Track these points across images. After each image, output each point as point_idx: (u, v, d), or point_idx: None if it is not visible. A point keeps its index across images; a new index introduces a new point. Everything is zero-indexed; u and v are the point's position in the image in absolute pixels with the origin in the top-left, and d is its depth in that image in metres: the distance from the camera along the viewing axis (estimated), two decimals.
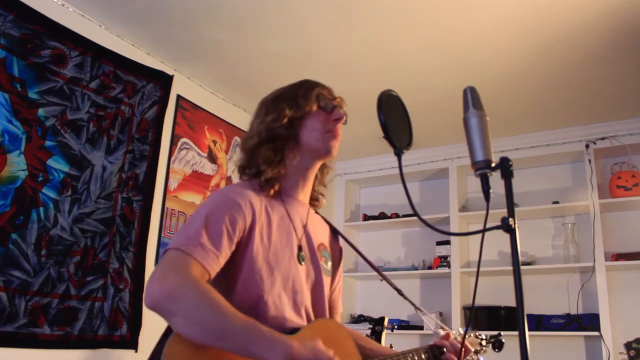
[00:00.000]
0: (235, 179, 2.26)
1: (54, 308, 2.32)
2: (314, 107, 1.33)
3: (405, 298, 1.61)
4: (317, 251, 1.36)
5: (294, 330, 1.20)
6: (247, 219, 1.19)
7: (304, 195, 1.38)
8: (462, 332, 1.60)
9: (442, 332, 1.52)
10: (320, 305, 1.33)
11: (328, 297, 1.38)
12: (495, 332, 1.78)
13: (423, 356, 1.40)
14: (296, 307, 1.26)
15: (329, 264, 1.41)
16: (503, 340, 1.76)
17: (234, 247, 1.17)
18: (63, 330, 2.34)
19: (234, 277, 1.19)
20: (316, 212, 1.45)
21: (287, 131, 1.30)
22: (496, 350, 1.74)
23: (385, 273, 4.10)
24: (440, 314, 3.83)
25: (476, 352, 1.62)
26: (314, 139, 1.31)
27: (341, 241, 1.54)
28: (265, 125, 1.31)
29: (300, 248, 1.31)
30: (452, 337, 1.50)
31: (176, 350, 1.00)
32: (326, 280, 1.37)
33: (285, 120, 1.30)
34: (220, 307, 1.03)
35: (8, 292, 2.16)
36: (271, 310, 1.20)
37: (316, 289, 1.33)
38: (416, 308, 1.60)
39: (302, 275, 1.29)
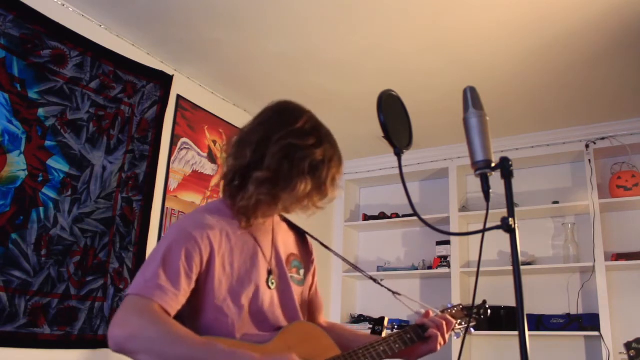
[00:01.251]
0: None
1: (54, 308, 2.32)
2: (322, 189, 1.29)
3: (378, 283, 1.63)
4: (287, 265, 1.37)
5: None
6: (204, 254, 1.19)
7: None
8: (448, 307, 1.65)
9: (422, 312, 1.55)
10: (295, 321, 1.34)
11: (304, 303, 1.40)
12: (480, 302, 1.79)
13: (407, 337, 1.42)
14: (269, 330, 1.26)
15: (302, 271, 1.42)
16: (487, 306, 1.78)
17: (193, 285, 1.18)
18: (63, 330, 2.34)
19: (200, 312, 1.21)
20: (281, 220, 1.45)
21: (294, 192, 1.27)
22: (482, 317, 1.75)
23: (385, 273, 4.06)
24: None
25: (462, 323, 1.64)
26: (293, 208, 1.31)
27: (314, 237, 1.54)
28: (284, 180, 1.24)
29: (270, 272, 1.31)
30: (432, 314, 1.53)
31: None
32: (297, 291, 1.38)
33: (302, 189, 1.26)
34: (177, 335, 1.06)
35: (8, 292, 2.16)
36: (242, 337, 1.20)
37: (288, 308, 1.33)
38: (389, 291, 1.62)
39: (273, 299, 1.30)
